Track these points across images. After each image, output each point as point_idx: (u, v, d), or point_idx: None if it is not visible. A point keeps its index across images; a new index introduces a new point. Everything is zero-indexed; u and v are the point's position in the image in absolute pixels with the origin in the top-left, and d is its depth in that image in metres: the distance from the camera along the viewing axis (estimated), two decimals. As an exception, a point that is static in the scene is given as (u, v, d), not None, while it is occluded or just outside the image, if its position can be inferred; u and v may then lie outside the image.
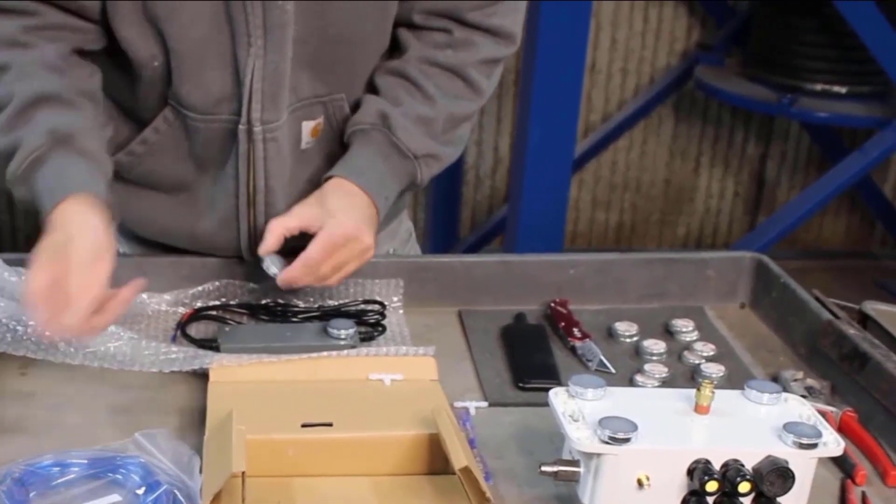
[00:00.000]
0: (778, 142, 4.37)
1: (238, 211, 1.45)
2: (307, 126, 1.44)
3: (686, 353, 1.43)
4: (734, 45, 4.01)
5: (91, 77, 1.40)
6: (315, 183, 1.46)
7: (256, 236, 1.45)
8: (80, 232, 1.23)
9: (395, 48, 1.49)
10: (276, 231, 1.37)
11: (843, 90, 3.58)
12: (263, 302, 1.47)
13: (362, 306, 1.46)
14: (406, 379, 1.27)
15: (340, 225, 1.36)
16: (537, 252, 1.63)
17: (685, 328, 1.50)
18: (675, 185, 4.40)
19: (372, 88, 1.47)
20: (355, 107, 1.47)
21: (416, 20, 1.45)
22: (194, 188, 1.47)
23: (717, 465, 1.02)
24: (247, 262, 1.49)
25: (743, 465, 1.02)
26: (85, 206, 1.26)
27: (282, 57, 1.35)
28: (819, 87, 3.59)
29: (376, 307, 1.46)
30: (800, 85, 3.60)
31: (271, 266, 1.39)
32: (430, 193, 4.05)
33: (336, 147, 1.47)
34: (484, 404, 1.30)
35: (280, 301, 1.47)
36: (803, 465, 1.03)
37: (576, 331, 1.45)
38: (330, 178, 1.42)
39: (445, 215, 4.10)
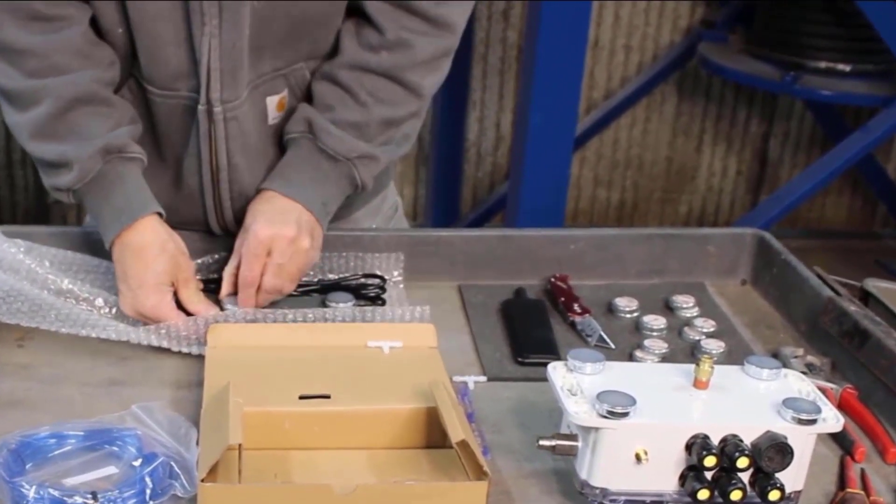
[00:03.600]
0: (781, 120, 4.35)
1: (202, 188, 1.45)
2: (272, 101, 1.42)
3: (686, 328, 1.43)
4: (738, 22, 3.99)
5: (112, 63, 1.38)
6: None
7: (222, 212, 1.47)
8: (156, 258, 1.33)
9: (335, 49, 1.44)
10: (227, 276, 1.38)
11: (848, 68, 3.56)
12: (262, 275, 1.47)
13: (362, 280, 1.46)
14: (405, 346, 1.27)
15: (254, 235, 1.35)
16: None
17: (686, 304, 1.49)
18: (678, 164, 4.39)
19: (308, 95, 1.44)
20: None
21: (364, 3, 1.39)
22: (160, 163, 1.45)
23: (715, 441, 1.02)
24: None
25: (741, 441, 1.02)
26: (149, 231, 1.34)
27: (238, 35, 1.34)
28: (823, 64, 3.57)
29: (376, 281, 1.46)
30: (803, 63, 3.57)
31: (228, 306, 1.37)
32: (431, 170, 4.04)
33: None
34: (483, 379, 1.30)
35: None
36: (802, 441, 1.03)
37: (576, 306, 1.44)
38: (260, 191, 1.40)
39: (446, 192, 4.09)
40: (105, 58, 1.37)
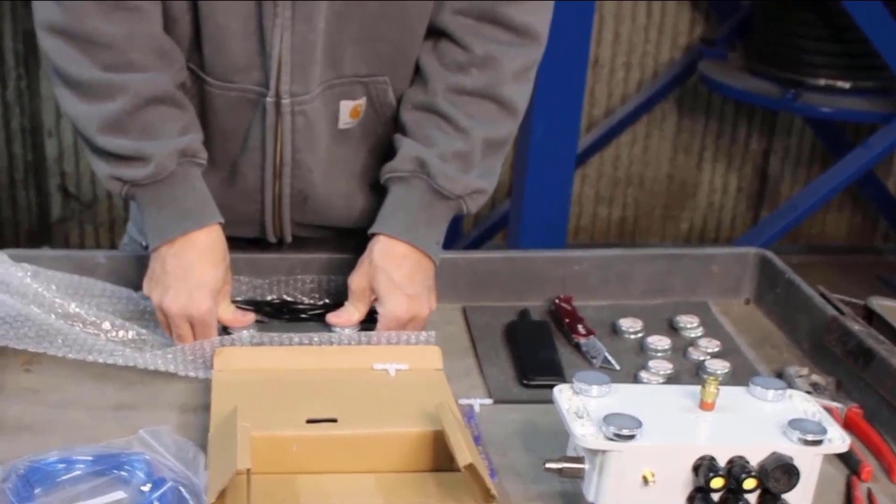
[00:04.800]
0: (781, 137, 4.37)
1: (263, 183, 1.45)
2: (346, 105, 1.42)
3: (690, 349, 1.43)
4: (737, 40, 4.01)
5: (182, 66, 1.37)
6: (354, 167, 1.46)
7: (280, 210, 1.47)
8: (209, 268, 1.35)
9: (418, 74, 1.44)
10: (343, 321, 1.42)
11: (847, 85, 3.58)
12: (269, 298, 1.47)
13: (367, 303, 1.46)
14: (411, 369, 1.27)
15: (392, 315, 1.36)
16: (540, 247, 1.63)
17: (690, 324, 1.49)
18: (678, 180, 4.40)
19: (400, 126, 1.44)
20: (401, 99, 1.45)
21: (443, 20, 1.39)
22: (215, 159, 1.43)
23: (722, 462, 1.02)
24: (253, 260, 1.48)
25: (748, 462, 1.02)
26: (215, 237, 1.36)
27: (311, 28, 1.33)
28: (823, 81, 3.58)
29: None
30: (803, 80, 3.59)
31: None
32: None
33: (379, 133, 1.46)
34: (488, 401, 1.30)
35: (286, 298, 1.47)
36: (808, 462, 1.03)
37: (580, 327, 1.45)
38: (375, 234, 1.39)
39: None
40: (178, 59, 1.37)
